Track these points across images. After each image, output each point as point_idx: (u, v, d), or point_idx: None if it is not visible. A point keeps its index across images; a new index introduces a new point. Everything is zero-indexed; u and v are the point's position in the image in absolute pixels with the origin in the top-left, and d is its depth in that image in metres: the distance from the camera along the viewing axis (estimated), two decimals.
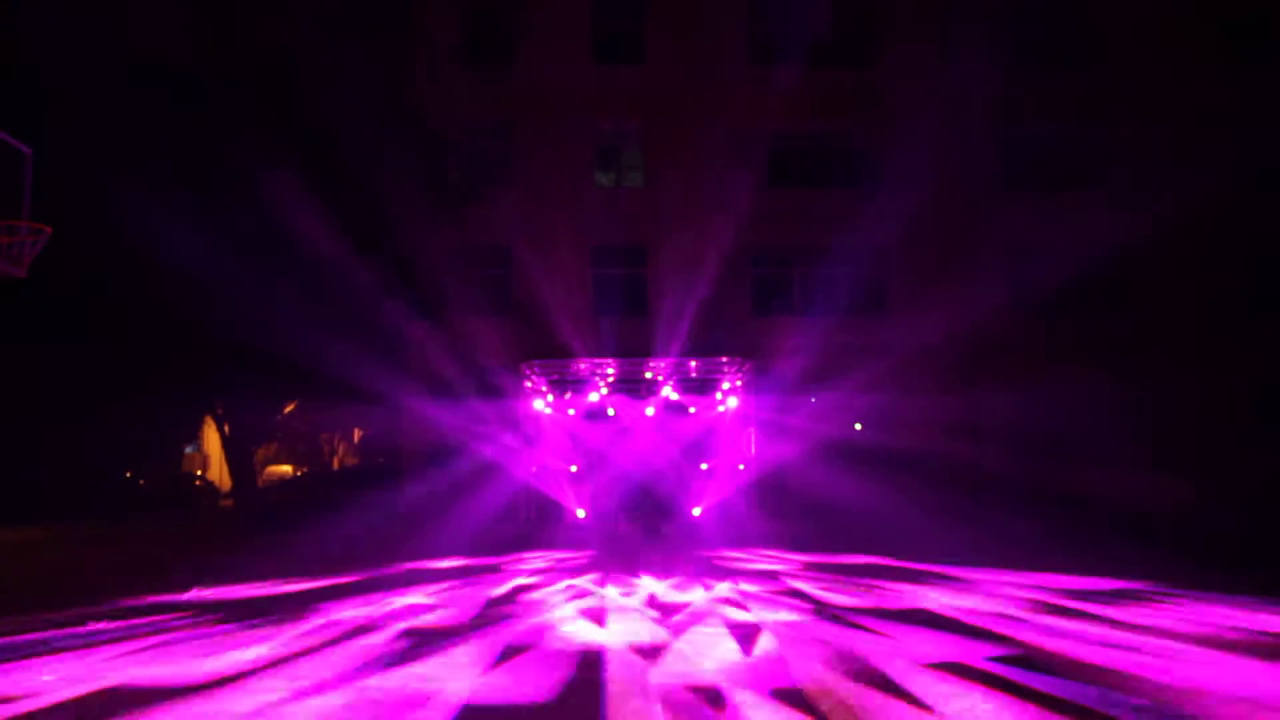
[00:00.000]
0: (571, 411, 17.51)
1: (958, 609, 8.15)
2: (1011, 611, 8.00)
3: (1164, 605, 8.29)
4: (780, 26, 23.02)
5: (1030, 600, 8.61)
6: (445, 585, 9.83)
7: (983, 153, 22.27)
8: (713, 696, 5.34)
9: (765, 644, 6.80)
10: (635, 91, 22.70)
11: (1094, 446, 19.40)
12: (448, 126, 21.10)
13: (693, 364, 17.26)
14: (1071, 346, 20.61)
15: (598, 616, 7.87)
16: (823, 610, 8.28)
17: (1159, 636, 6.86)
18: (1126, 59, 22.25)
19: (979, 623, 7.47)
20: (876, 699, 5.22)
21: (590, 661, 6.17)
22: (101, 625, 7.59)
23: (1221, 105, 21.39)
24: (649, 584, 10.02)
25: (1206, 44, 22.52)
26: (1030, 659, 6.12)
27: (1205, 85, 22.05)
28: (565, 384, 17.77)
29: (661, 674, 5.90)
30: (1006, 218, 21.86)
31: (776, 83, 22.59)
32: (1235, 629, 7.16)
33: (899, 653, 6.38)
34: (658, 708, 5.10)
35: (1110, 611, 7.90)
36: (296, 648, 6.66)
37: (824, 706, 5.10)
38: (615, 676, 5.78)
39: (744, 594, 9.24)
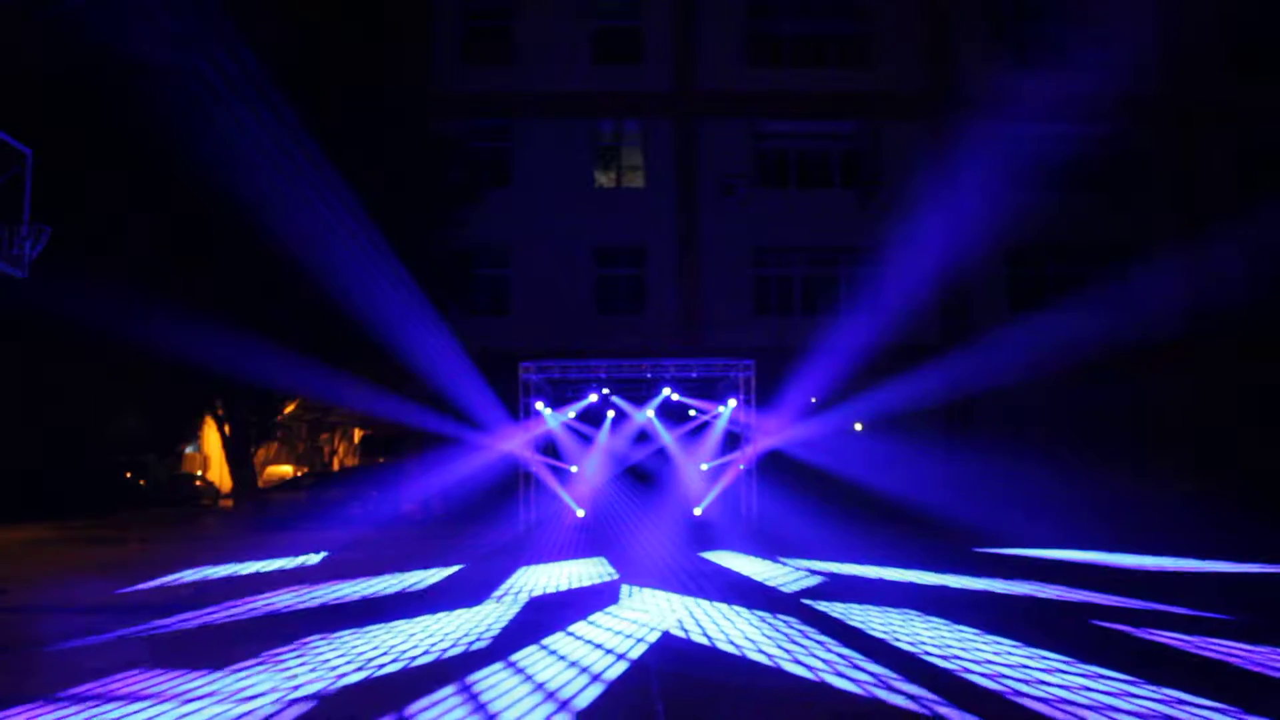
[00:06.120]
0: (572, 412, 17.49)
1: None
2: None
3: None
4: (779, 26, 23.06)
5: None
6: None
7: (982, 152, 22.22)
8: None
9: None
10: (635, 91, 22.68)
11: None
12: (448, 126, 21.10)
13: (693, 364, 17.24)
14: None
15: None
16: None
17: None
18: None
19: None
20: None
21: None
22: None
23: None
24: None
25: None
26: None
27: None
28: (565, 384, 17.75)
29: None
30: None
31: (776, 83, 22.65)
32: None
33: None
34: None
35: None
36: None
37: None
38: None
39: None
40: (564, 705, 5.21)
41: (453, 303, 19.58)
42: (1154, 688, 5.54)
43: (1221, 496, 18.14)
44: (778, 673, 5.98)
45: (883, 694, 5.45)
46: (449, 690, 5.50)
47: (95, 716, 5.06)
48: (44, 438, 20.62)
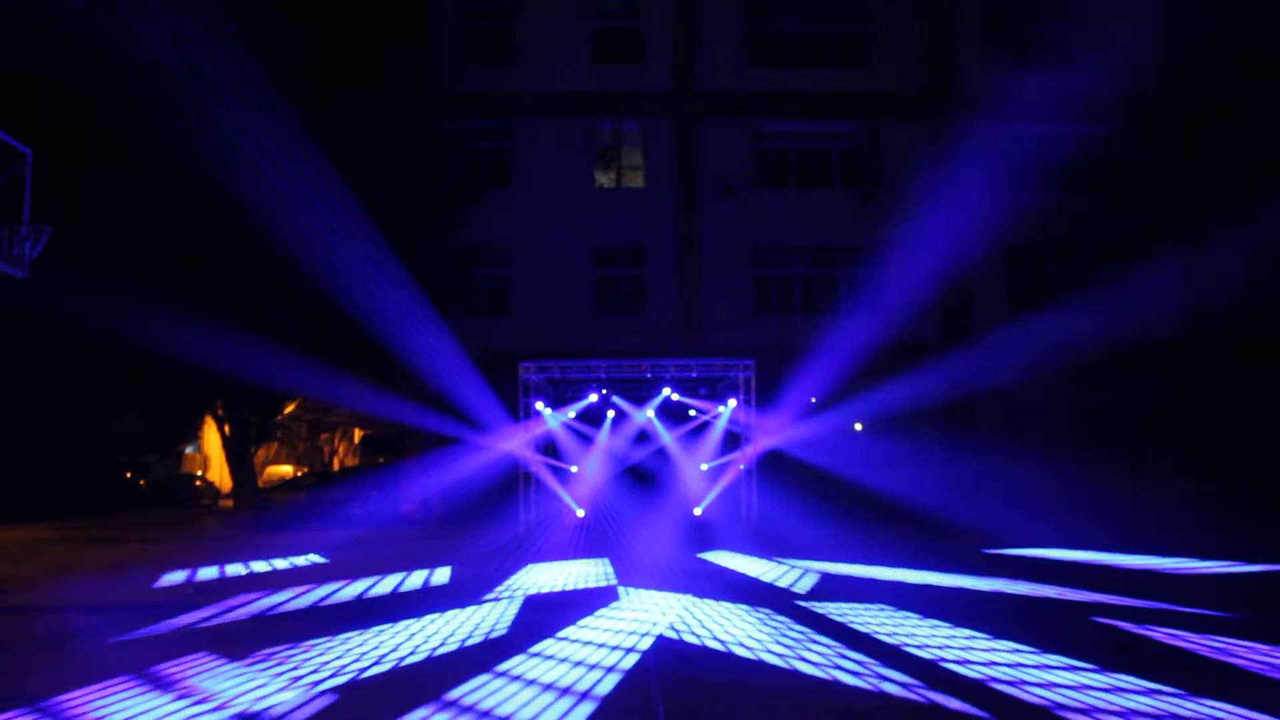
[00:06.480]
0: (572, 412, 17.49)
1: None
2: None
3: None
4: (779, 26, 23.07)
5: None
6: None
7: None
8: None
9: None
10: (635, 91, 22.69)
11: None
12: (448, 126, 21.11)
13: (693, 364, 17.25)
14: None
15: None
16: None
17: None
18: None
19: None
20: None
21: None
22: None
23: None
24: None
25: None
26: None
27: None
28: (565, 384, 17.75)
29: None
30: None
31: (776, 83, 22.64)
32: None
33: None
34: None
35: None
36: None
37: None
38: None
39: None
40: (563, 706, 5.22)
41: (453, 303, 19.57)
42: (1154, 685, 5.54)
43: (1221, 496, 18.15)
44: (777, 671, 5.98)
45: (882, 689, 5.45)
46: (445, 693, 5.50)
47: (103, 716, 5.07)
48: (44, 438, 20.62)
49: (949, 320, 22.03)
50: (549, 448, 17.76)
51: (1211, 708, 5.12)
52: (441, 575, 10.91)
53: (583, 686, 5.61)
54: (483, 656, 6.39)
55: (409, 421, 18.88)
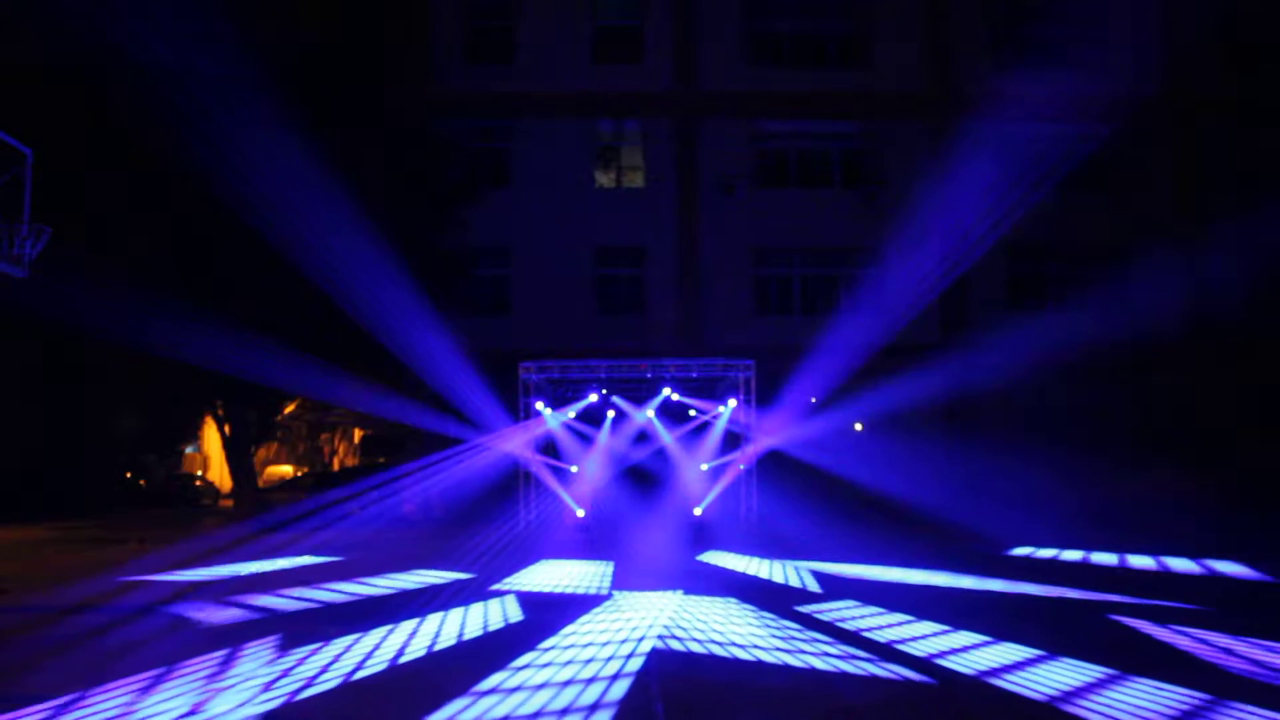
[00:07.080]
0: (572, 412, 17.48)
1: None
2: None
3: None
4: (779, 26, 23.06)
5: None
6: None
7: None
8: None
9: None
10: (635, 91, 22.68)
11: None
12: (448, 126, 21.09)
13: (693, 364, 17.25)
14: None
15: None
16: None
17: None
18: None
19: None
20: None
21: None
22: None
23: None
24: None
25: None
26: None
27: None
28: (565, 384, 17.74)
29: None
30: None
31: (776, 83, 22.64)
32: None
33: None
34: None
35: None
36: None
37: None
38: None
39: None
40: (564, 706, 5.22)
41: (453, 303, 19.55)
42: (1153, 680, 5.55)
43: (1221, 496, 18.14)
44: (777, 671, 5.98)
45: (880, 686, 5.45)
46: (441, 694, 5.50)
47: (101, 716, 5.07)
48: (44, 438, 20.61)
49: (949, 320, 22.03)
50: (549, 448, 17.75)
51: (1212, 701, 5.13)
52: (441, 576, 10.91)
53: (581, 687, 5.60)
54: (479, 659, 6.38)
55: (409, 421, 18.86)
